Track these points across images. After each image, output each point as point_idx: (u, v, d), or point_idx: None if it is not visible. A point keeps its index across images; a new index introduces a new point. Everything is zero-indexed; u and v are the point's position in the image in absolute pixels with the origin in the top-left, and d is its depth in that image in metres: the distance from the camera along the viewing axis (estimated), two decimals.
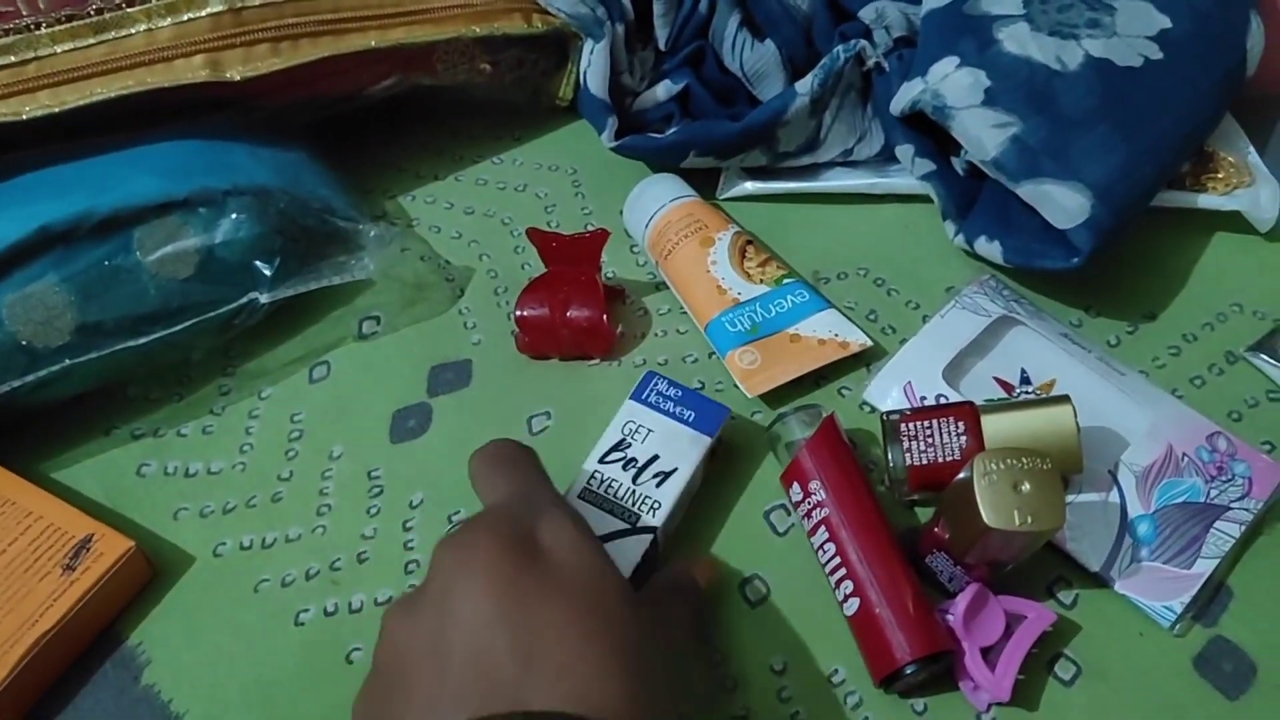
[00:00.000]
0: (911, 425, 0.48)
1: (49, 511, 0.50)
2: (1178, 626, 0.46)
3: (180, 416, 0.57)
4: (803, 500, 0.47)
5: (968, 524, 0.42)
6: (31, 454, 0.54)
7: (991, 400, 0.51)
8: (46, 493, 0.51)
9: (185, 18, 0.56)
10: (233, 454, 0.55)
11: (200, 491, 0.54)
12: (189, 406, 0.57)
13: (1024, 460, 0.41)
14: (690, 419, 0.49)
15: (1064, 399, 0.47)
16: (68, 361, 0.52)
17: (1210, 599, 0.47)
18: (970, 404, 0.48)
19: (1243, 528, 0.47)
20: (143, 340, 0.54)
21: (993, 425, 0.47)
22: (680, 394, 0.50)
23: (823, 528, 0.46)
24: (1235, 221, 0.59)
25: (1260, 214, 0.58)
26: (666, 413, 0.50)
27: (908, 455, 0.48)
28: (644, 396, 0.50)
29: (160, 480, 0.54)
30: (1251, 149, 0.61)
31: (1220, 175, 0.59)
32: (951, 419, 0.48)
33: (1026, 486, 0.41)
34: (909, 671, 0.42)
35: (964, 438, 0.47)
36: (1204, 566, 0.47)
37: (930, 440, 0.48)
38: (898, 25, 0.61)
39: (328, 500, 0.53)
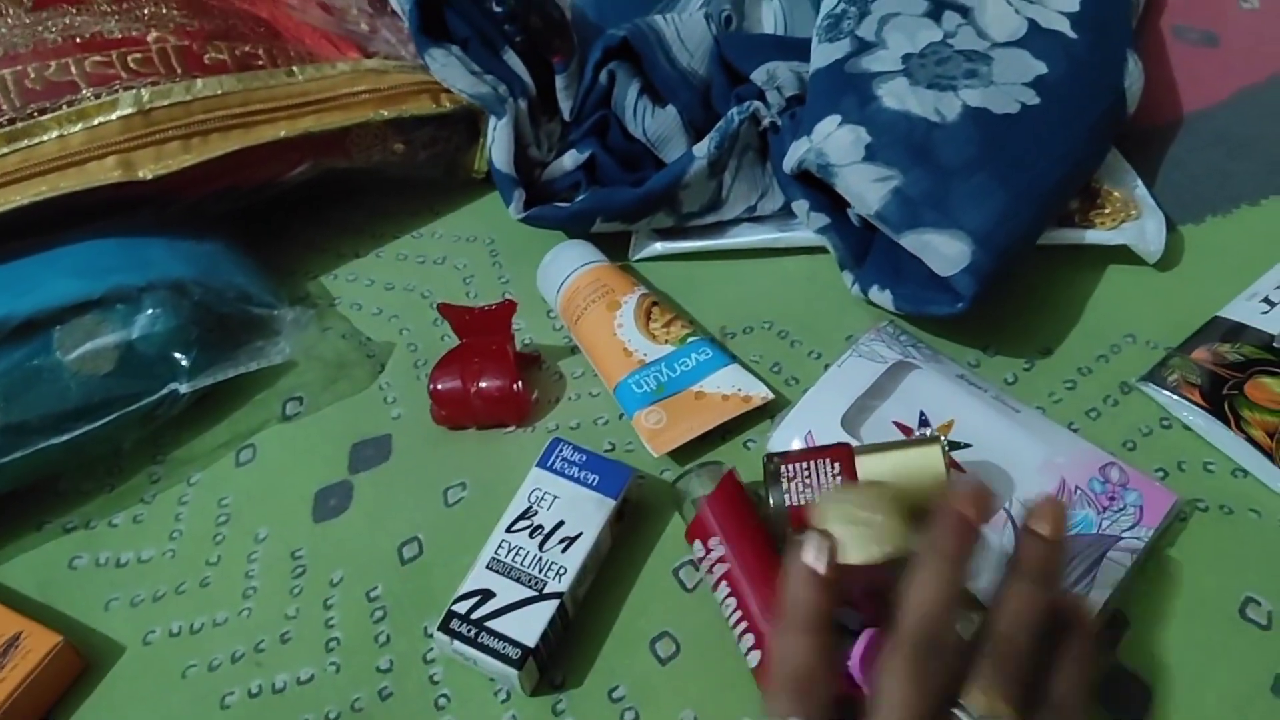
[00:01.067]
0: (791, 467, 0.50)
1: None
2: None
3: (111, 507, 0.58)
4: (705, 555, 0.49)
5: None
6: None
7: (876, 443, 0.52)
8: None
9: (96, 122, 0.58)
10: (163, 541, 0.56)
11: (131, 580, 0.55)
12: (119, 497, 0.59)
13: (864, 492, 0.43)
14: (594, 483, 0.51)
15: (934, 439, 0.48)
16: None
17: (1106, 628, 0.48)
18: (846, 445, 0.50)
19: (1134, 556, 0.49)
20: (66, 437, 0.55)
21: (866, 465, 0.49)
22: (584, 458, 0.52)
23: (724, 582, 0.48)
24: (1126, 254, 0.61)
25: (1147, 246, 0.60)
26: (571, 478, 0.51)
27: (787, 496, 0.49)
28: (549, 463, 0.52)
29: (92, 572, 0.56)
30: (1139, 183, 0.63)
31: (1107, 210, 0.61)
32: (828, 459, 0.49)
33: (870, 515, 0.42)
34: None
35: (839, 478, 0.49)
36: (1098, 596, 0.48)
37: (808, 481, 0.49)
38: (789, 85, 0.64)
39: (253, 583, 0.54)
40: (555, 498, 0.51)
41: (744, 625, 0.47)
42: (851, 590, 0.44)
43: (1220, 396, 0.54)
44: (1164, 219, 0.61)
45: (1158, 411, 0.55)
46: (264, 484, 0.58)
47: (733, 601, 0.47)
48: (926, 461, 0.48)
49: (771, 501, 0.50)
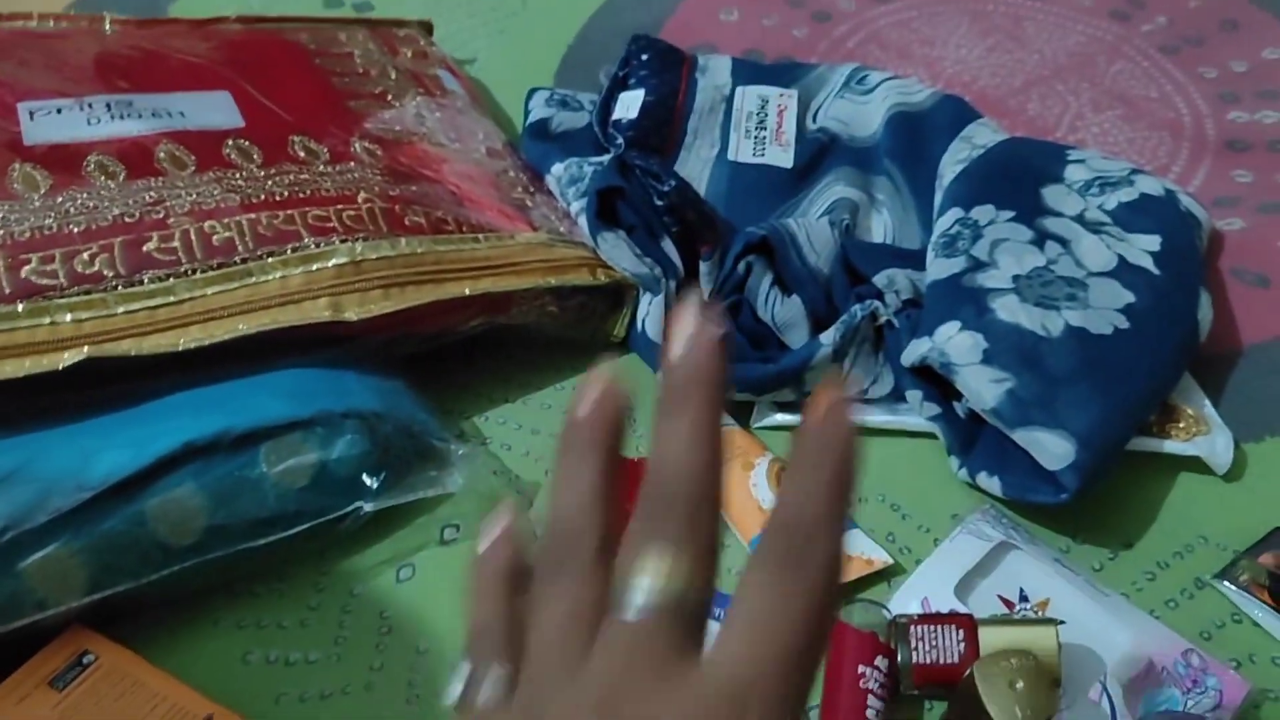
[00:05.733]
0: (920, 629, 0.57)
1: (172, 693, 0.57)
2: None
3: (280, 608, 0.64)
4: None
5: None
6: (150, 638, 0.61)
7: (993, 615, 0.59)
8: (169, 675, 0.58)
9: (315, 267, 0.67)
10: (328, 646, 0.62)
11: (299, 678, 0.61)
12: (287, 600, 0.65)
13: (1014, 660, 0.50)
14: (720, 616, 0.58)
15: (1051, 621, 0.56)
16: (195, 560, 0.60)
17: None
18: (970, 616, 0.57)
19: None
20: (261, 542, 0.62)
21: (987, 636, 0.56)
22: (715, 596, 0.58)
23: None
24: (1196, 464, 0.69)
25: (1217, 459, 0.68)
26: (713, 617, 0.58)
27: (914, 654, 0.56)
28: None
29: (263, 667, 0.61)
30: (1207, 402, 0.72)
31: (1182, 425, 0.69)
32: (954, 626, 0.56)
33: (1020, 684, 0.49)
34: None
35: (963, 644, 0.56)
36: None
37: (934, 642, 0.56)
38: (905, 290, 0.73)
39: (415, 690, 0.60)
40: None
41: None
42: None
43: None
44: (1231, 436, 0.69)
45: (1229, 608, 0.62)
46: (423, 602, 0.64)
47: None
48: (1043, 640, 0.55)
49: (899, 657, 0.56)
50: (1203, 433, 0.69)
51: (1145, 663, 0.58)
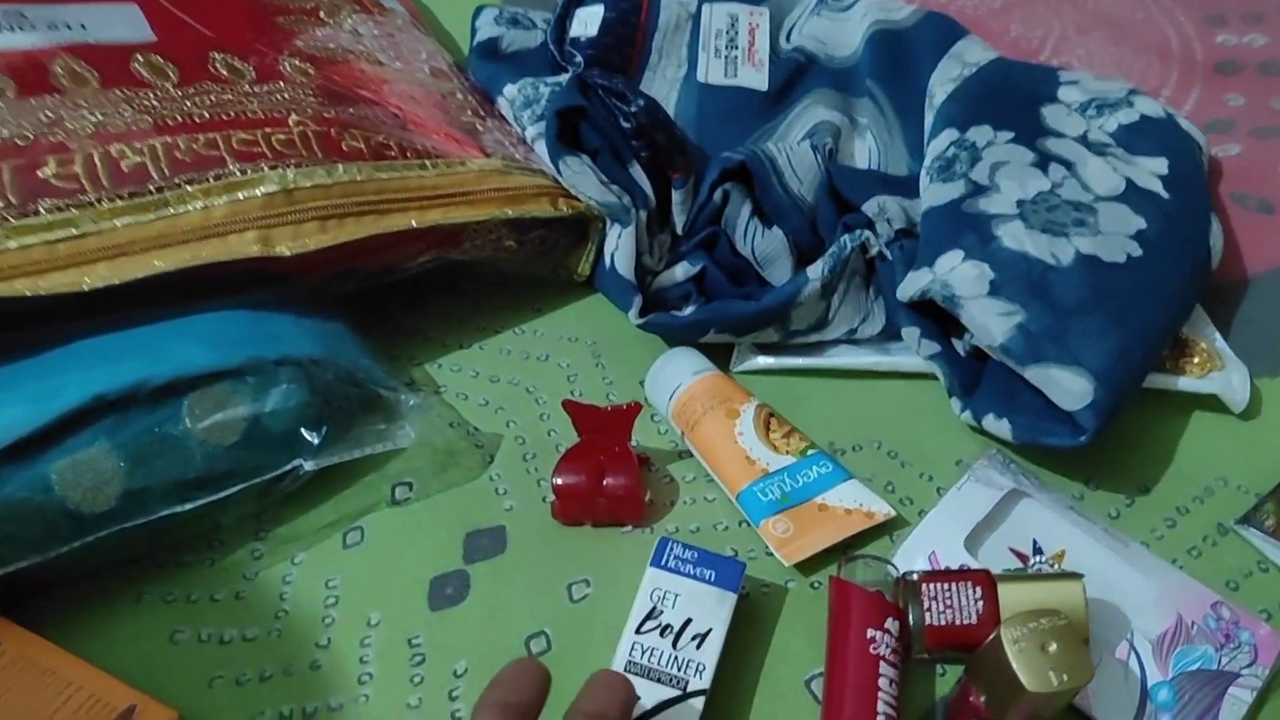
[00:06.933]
0: (932, 586, 0.51)
1: (88, 681, 0.50)
2: None
3: (213, 581, 0.57)
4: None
5: (1004, 690, 0.44)
6: (63, 618, 0.54)
7: (1009, 570, 0.54)
8: (84, 662, 0.50)
9: (240, 196, 0.59)
10: (268, 620, 0.55)
11: (235, 659, 0.54)
12: (220, 571, 0.58)
13: (1044, 621, 0.45)
14: (711, 578, 0.52)
15: (1076, 575, 0.50)
16: (112, 528, 0.53)
17: None
18: (987, 572, 0.51)
19: (1254, 694, 0.51)
20: (188, 506, 0.55)
21: (1008, 594, 0.50)
22: (696, 555, 0.53)
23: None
24: (1212, 402, 0.64)
25: (1234, 396, 0.63)
26: (689, 575, 0.52)
27: (927, 615, 0.50)
28: (664, 562, 0.52)
29: (194, 647, 0.54)
30: (1219, 336, 0.67)
31: (1196, 360, 0.64)
32: (970, 584, 0.51)
33: (1054, 646, 0.44)
34: None
35: (981, 603, 0.50)
36: None
37: (949, 602, 0.50)
38: (898, 219, 0.67)
39: (368, 668, 0.53)
40: (677, 595, 0.51)
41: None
42: (1009, 716, 0.45)
43: None
44: (1247, 372, 0.64)
45: (1254, 555, 0.58)
46: (374, 568, 0.57)
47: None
48: (1069, 595, 0.49)
49: (911, 618, 0.51)
50: (1217, 368, 0.64)
51: (1174, 617, 0.53)
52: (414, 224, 0.63)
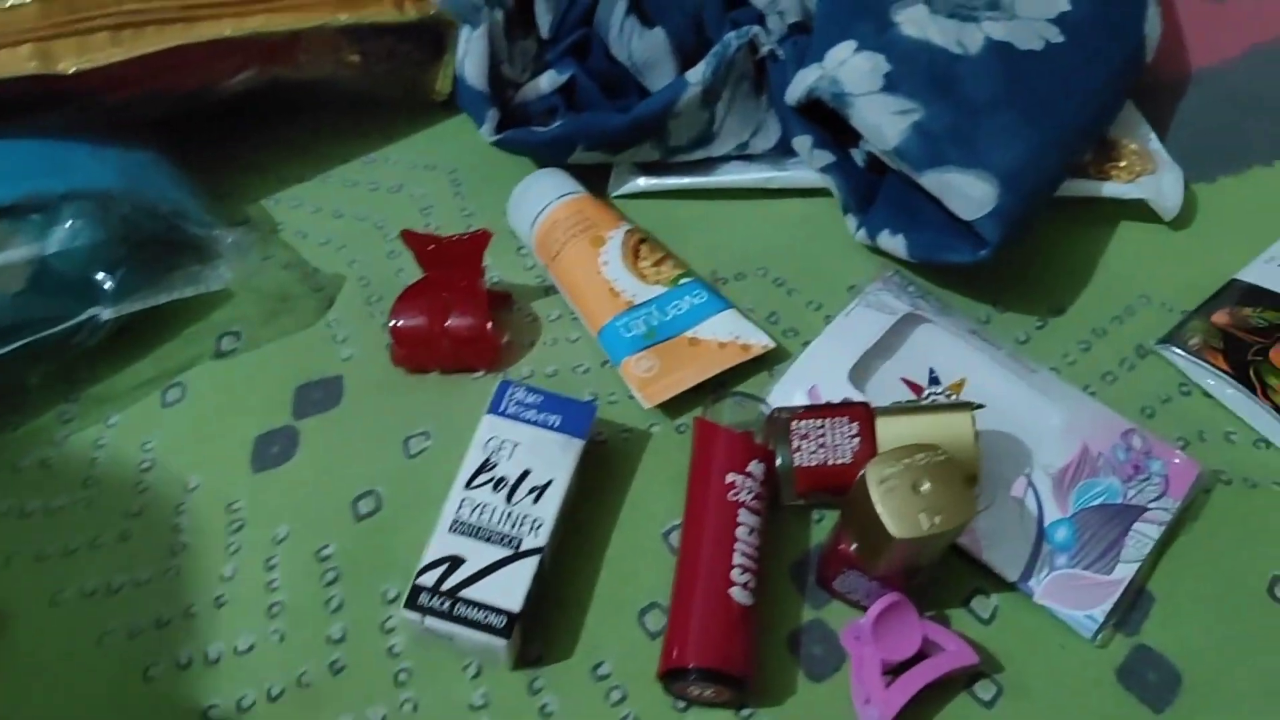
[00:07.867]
0: (802, 424, 0.45)
1: None
2: (1099, 637, 0.43)
3: (15, 449, 0.51)
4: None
5: (872, 537, 0.39)
6: None
7: (899, 403, 0.48)
8: None
9: (9, 4, 0.50)
10: (75, 490, 0.49)
11: (37, 533, 0.48)
12: (25, 437, 0.51)
13: (918, 456, 0.39)
14: (557, 424, 0.46)
15: (968, 406, 0.44)
16: None
17: (1131, 606, 0.45)
18: (865, 405, 0.45)
19: (1162, 529, 0.45)
20: None
21: (887, 429, 0.44)
22: (541, 399, 0.46)
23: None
24: (1139, 211, 0.57)
25: (1164, 201, 0.56)
26: (529, 421, 0.46)
27: (796, 455, 0.44)
28: (502, 409, 0.46)
29: None
30: (1154, 136, 0.59)
31: (1123, 164, 0.57)
32: (845, 419, 0.45)
33: (926, 485, 0.38)
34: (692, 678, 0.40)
35: (856, 440, 0.44)
36: (1124, 571, 0.44)
37: (821, 441, 0.44)
38: (792, 11, 0.58)
39: (181, 538, 0.47)
40: (515, 444, 0.45)
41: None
42: (881, 564, 0.40)
43: (1244, 362, 0.51)
44: (1181, 175, 0.57)
45: (1176, 377, 0.52)
46: (194, 428, 0.51)
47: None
48: (956, 429, 0.43)
49: (779, 460, 0.45)
50: (1148, 171, 0.57)
51: (1079, 448, 0.47)
52: (229, 33, 0.55)
